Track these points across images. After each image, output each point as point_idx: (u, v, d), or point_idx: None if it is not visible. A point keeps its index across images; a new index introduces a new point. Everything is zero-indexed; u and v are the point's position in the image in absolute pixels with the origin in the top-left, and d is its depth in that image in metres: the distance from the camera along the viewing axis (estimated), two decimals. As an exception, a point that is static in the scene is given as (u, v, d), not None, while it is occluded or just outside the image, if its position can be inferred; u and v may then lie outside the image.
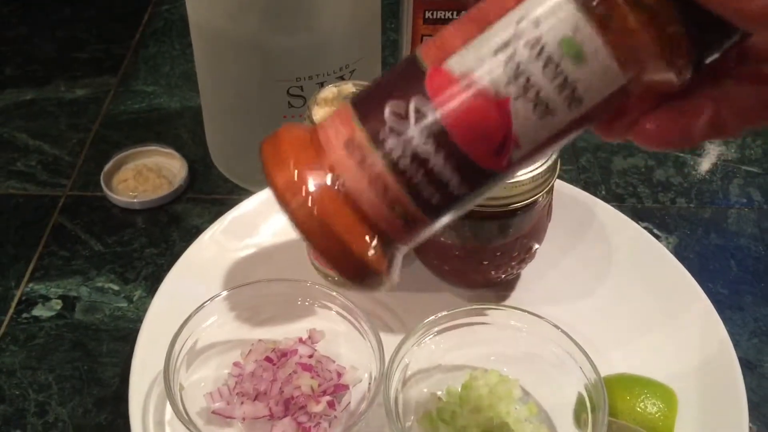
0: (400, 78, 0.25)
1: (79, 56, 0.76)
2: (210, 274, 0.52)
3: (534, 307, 0.51)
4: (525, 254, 0.50)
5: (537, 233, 0.50)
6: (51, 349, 0.50)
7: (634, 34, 0.22)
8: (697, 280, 0.51)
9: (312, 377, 0.44)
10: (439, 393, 0.46)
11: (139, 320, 0.49)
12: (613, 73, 0.23)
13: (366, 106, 0.25)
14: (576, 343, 0.45)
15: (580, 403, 0.44)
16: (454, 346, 0.47)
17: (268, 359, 0.45)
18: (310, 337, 0.47)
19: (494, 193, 0.45)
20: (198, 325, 0.46)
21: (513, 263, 0.50)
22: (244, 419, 0.43)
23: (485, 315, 0.47)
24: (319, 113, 0.46)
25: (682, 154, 0.67)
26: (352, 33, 0.55)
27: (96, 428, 0.46)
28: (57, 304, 0.53)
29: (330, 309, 0.48)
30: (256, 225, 0.55)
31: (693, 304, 0.50)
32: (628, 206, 0.62)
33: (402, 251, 0.27)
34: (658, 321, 0.50)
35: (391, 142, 0.24)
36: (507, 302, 0.52)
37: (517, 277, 0.54)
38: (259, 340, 0.47)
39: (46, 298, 0.54)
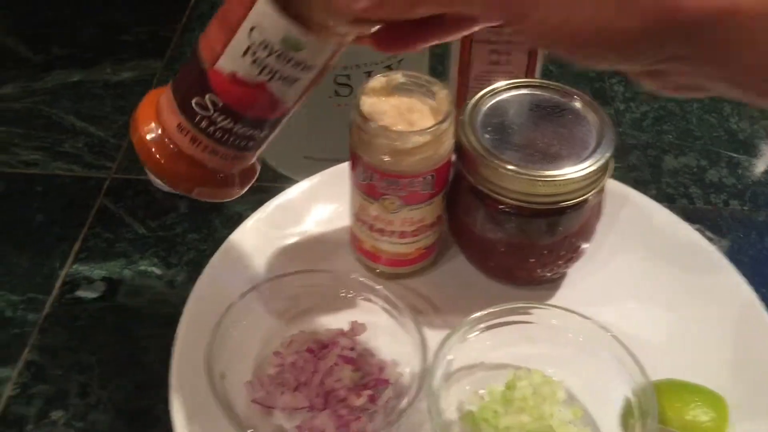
0: (193, 74, 0.36)
1: (125, 39, 0.76)
2: (252, 262, 0.52)
3: (579, 308, 0.49)
4: (573, 253, 0.49)
5: (586, 232, 0.49)
6: (94, 331, 0.51)
7: (328, 31, 0.33)
8: (750, 285, 0.50)
9: (353, 370, 0.44)
10: (481, 391, 0.45)
11: (181, 305, 0.49)
12: (325, 47, 0.34)
13: (181, 100, 0.36)
14: (624, 346, 0.44)
15: (627, 408, 0.43)
16: (498, 344, 0.46)
17: (309, 350, 0.45)
18: (351, 330, 0.47)
19: (544, 191, 0.44)
20: (240, 313, 0.46)
21: (560, 262, 0.49)
22: (284, 410, 0.43)
23: (531, 314, 0.46)
24: (367, 103, 0.45)
25: (735, 155, 0.65)
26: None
27: (137, 412, 0.46)
28: (100, 286, 0.53)
29: (373, 302, 0.47)
30: (300, 214, 0.55)
31: (746, 310, 0.49)
32: (678, 207, 0.60)
33: (236, 170, 0.40)
34: (708, 326, 0.49)
35: (205, 123, 0.36)
36: (552, 301, 0.51)
37: (563, 275, 0.53)
38: (301, 331, 0.47)
39: (89, 280, 0.54)
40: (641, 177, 0.63)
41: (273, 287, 0.47)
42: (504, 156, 0.45)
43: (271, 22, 0.33)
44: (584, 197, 0.45)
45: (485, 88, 0.48)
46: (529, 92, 0.49)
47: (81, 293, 0.53)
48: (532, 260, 0.49)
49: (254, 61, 0.34)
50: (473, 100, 0.48)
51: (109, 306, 0.52)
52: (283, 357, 0.45)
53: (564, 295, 0.52)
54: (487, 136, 0.46)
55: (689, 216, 0.59)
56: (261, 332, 0.47)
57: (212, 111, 0.36)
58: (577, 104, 0.48)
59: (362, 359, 0.45)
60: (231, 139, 0.37)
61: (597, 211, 0.49)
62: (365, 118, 0.44)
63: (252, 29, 0.34)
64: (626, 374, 0.43)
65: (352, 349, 0.45)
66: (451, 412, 0.44)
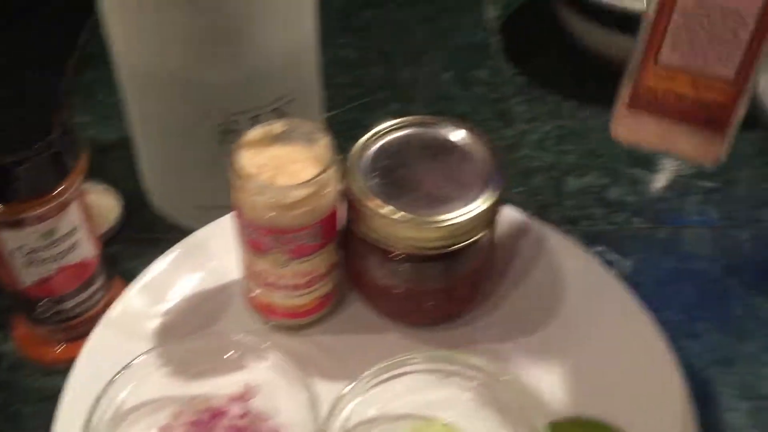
0: (17, 298, 0.48)
1: None
2: (140, 326, 0.49)
3: (483, 346, 0.49)
4: (470, 293, 0.48)
5: (482, 271, 0.48)
6: (-27, 411, 0.47)
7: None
8: (652, 307, 0.50)
9: (245, 440, 0.42)
10: (381, 447, 0.44)
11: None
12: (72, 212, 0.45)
13: (28, 318, 0.49)
14: (522, 388, 0.43)
15: (528, 453, 0.43)
16: (398, 396, 0.45)
17: (197, 423, 0.43)
18: (244, 393, 0.45)
19: (434, 235, 0.43)
20: (124, 386, 0.43)
21: (458, 302, 0.48)
22: (174, 488, 0.41)
23: (429, 361, 0.45)
24: (245, 157, 0.43)
25: (636, 170, 0.65)
26: (285, 62, 0.52)
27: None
28: (-20, 361, 0.50)
29: (265, 361, 0.46)
30: (192, 268, 0.52)
31: (644, 338, 0.48)
32: (581, 229, 0.60)
33: None
34: (609, 356, 0.48)
35: (54, 318, 0.49)
36: (454, 340, 0.50)
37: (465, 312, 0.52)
38: (190, 399, 0.45)
39: (-32, 354, 0.51)
40: (545, 200, 0.63)
41: (162, 354, 0.45)
42: (390, 202, 0.43)
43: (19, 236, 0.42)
44: (476, 237, 0.45)
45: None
46: (416, 131, 0.48)
47: (-41, 370, 0.50)
48: (429, 303, 0.48)
49: (40, 262, 0.44)
50: (358, 145, 0.46)
51: (-10, 381, 0.49)
52: (172, 430, 0.43)
53: (466, 333, 0.50)
54: (373, 181, 0.45)
55: (592, 237, 0.59)
56: (149, 403, 0.45)
57: (48, 307, 0.47)
58: (466, 140, 0.47)
59: (254, 426, 0.43)
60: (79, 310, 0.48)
61: (492, 247, 0.48)
62: (242, 175, 0.42)
63: (19, 248, 0.43)
64: (526, 418, 0.43)
65: (243, 416, 0.43)
66: (350, 473, 0.43)
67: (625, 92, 0.41)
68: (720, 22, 0.37)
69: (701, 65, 0.38)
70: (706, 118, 0.40)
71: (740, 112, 0.39)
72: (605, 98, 0.72)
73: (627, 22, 0.68)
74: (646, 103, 0.41)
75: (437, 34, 0.81)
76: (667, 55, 0.39)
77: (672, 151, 0.42)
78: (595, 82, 0.75)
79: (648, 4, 0.38)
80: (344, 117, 0.70)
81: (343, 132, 0.47)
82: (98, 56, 0.75)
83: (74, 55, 0.76)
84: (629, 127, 0.42)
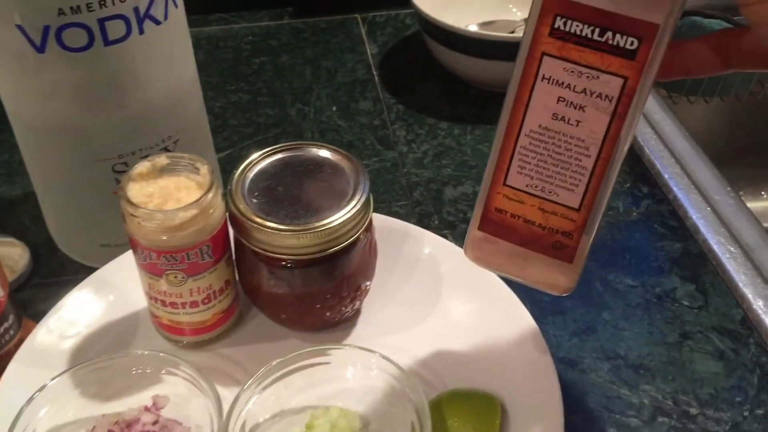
0: None
1: None
2: (53, 357, 0.52)
3: (375, 339, 0.55)
4: (355, 293, 0.54)
5: (363, 271, 0.54)
6: None
7: None
8: (522, 292, 0.56)
9: (157, 443, 0.46)
10: (283, 438, 0.48)
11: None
12: None
13: None
14: (404, 372, 0.48)
15: (413, 429, 0.48)
16: (297, 391, 0.50)
17: (111, 432, 0.46)
18: (154, 404, 0.49)
19: (310, 242, 0.49)
20: (36, 412, 0.46)
21: (345, 302, 0.54)
22: (92, 496, 0.44)
23: (322, 355, 0.50)
24: (134, 188, 0.48)
25: (506, 177, 0.73)
26: (169, 104, 0.57)
27: None
28: None
29: (175, 374, 0.49)
30: (99, 303, 0.56)
31: (516, 318, 0.55)
32: (459, 232, 0.67)
33: None
34: (484, 336, 0.54)
35: None
36: (349, 338, 0.55)
37: (357, 312, 0.57)
38: (103, 415, 0.48)
39: None
40: (425, 210, 0.69)
41: (73, 375, 0.48)
42: (270, 217, 0.49)
43: None
44: (351, 239, 0.50)
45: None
46: (287, 155, 0.53)
47: None
48: (318, 306, 0.53)
49: None
50: (238, 171, 0.52)
51: None
52: (86, 445, 0.46)
53: (359, 330, 0.56)
54: (254, 200, 0.50)
55: (469, 238, 0.66)
56: (63, 426, 0.48)
57: None
58: (334, 158, 0.53)
59: (167, 430, 0.47)
60: None
61: (369, 249, 0.54)
62: (131, 204, 0.47)
63: None
64: (409, 398, 0.48)
65: (155, 422, 0.47)
66: (255, 463, 0.47)
67: (476, 214, 0.40)
68: (564, 149, 0.36)
69: (547, 190, 0.37)
70: (554, 245, 0.38)
71: (587, 242, 0.38)
72: (474, 116, 0.80)
73: (488, 49, 0.77)
74: (496, 227, 0.39)
75: (322, 74, 0.88)
76: (514, 177, 0.38)
77: (522, 278, 0.40)
78: (465, 103, 0.83)
79: (499, 124, 0.38)
80: (239, 154, 0.75)
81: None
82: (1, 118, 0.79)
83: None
84: (480, 250, 0.41)
